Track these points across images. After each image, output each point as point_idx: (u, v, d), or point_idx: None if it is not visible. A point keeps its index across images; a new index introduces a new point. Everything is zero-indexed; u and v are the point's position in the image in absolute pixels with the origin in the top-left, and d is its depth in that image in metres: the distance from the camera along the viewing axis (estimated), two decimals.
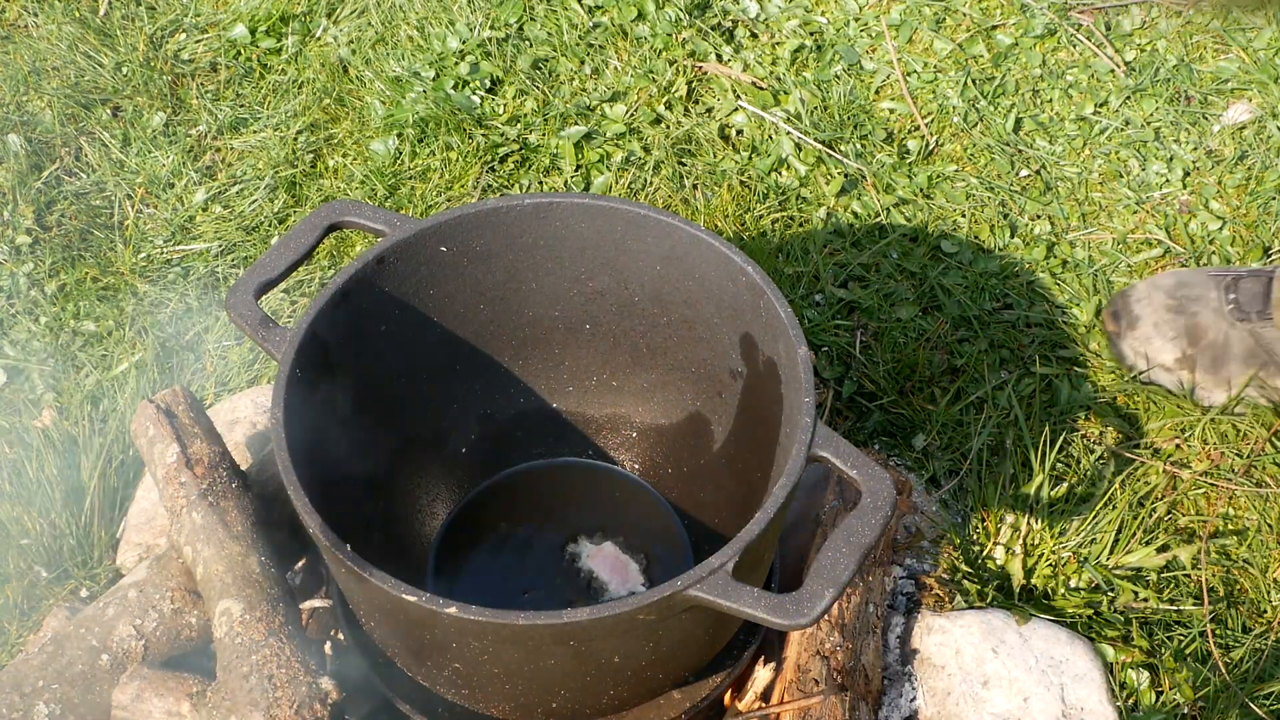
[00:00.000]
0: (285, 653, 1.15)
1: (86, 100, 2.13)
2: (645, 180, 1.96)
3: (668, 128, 2.02)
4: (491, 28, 2.21)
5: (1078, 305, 1.80)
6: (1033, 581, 1.50)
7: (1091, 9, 2.20)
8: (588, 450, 1.50)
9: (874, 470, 1.06)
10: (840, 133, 2.01)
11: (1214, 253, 1.86)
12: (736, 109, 2.04)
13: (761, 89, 2.07)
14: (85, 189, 2.01)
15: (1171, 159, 2.00)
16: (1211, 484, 1.60)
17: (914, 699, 1.39)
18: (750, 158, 1.99)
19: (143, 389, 1.72)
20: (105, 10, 2.29)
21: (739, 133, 2.03)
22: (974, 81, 2.10)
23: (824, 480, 1.47)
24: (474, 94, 2.12)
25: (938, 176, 1.98)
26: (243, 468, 1.38)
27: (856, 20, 2.19)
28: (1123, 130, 2.04)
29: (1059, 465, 1.61)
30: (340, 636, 1.32)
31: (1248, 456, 1.62)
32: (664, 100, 2.05)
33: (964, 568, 1.51)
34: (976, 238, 1.91)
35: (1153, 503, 1.57)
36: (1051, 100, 2.09)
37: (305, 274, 1.88)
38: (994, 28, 2.18)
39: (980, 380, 1.71)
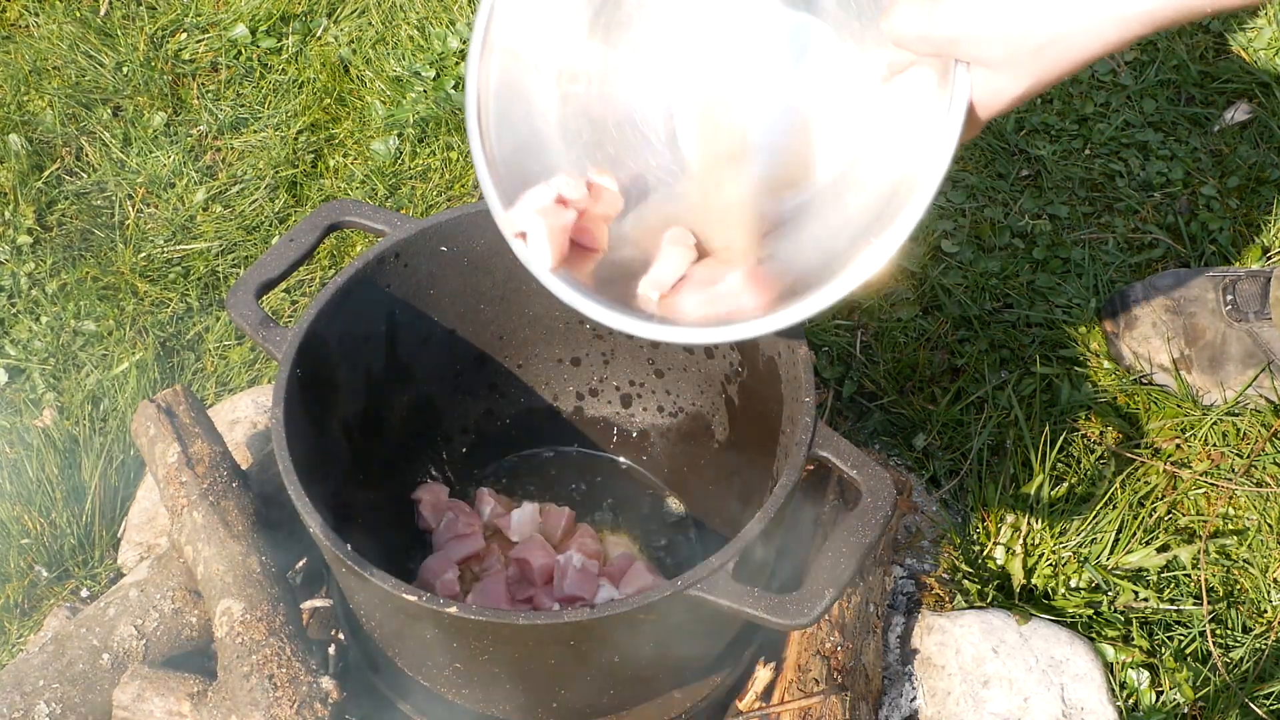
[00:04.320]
0: (286, 653, 1.15)
1: (87, 100, 2.13)
2: None
3: None
4: None
5: (1078, 305, 1.81)
6: (1033, 581, 1.50)
7: None
8: (588, 449, 1.50)
9: (874, 470, 1.06)
10: None
11: (1214, 253, 1.86)
12: None
13: None
14: (86, 189, 2.02)
15: (1172, 159, 2.00)
16: (1211, 484, 1.60)
17: (914, 699, 1.39)
18: None
19: (143, 389, 1.72)
20: (106, 10, 2.29)
21: None
22: None
23: (824, 480, 1.47)
24: None
25: None
26: (243, 467, 1.38)
27: None
28: (1123, 130, 2.04)
29: (1059, 465, 1.61)
30: (340, 636, 1.32)
31: (1248, 456, 1.62)
32: None
33: (964, 567, 1.51)
34: (976, 238, 1.91)
35: (1153, 503, 1.57)
36: (1052, 100, 2.09)
37: (306, 274, 1.88)
38: None
39: (980, 380, 1.71)
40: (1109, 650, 1.43)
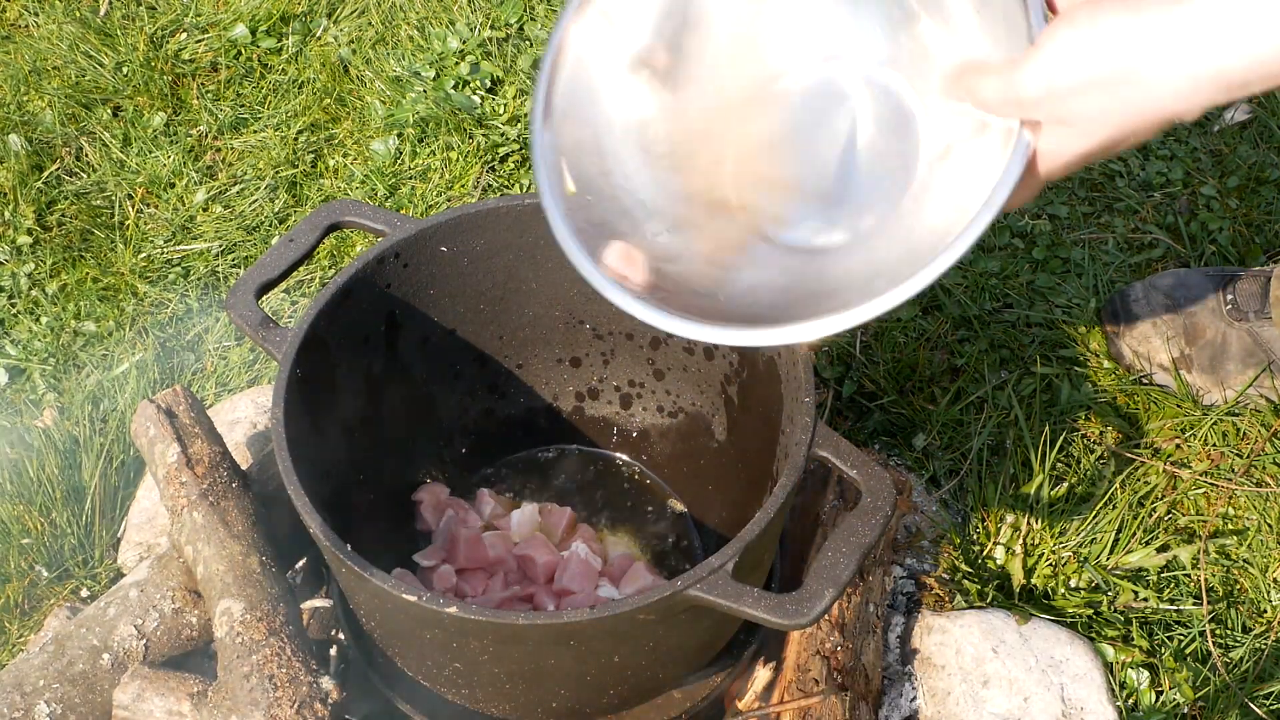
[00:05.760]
0: (286, 652, 1.15)
1: (87, 100, 2.13)
2: None
3: None
4: (492, 27, 2.21)
5: (1078, 305, 1.81)
6: (1033, 581, 1.50)
7: None
8: (588, 449, 1.50)
9: (874, 470, 1.06)
10: None
11: (1214, 253, 1.86)
12: None
13: None
14: (86, 189, 2.02)
15: (1172, 159, 2.00)
16: (1211, 484, 1.60)
17: (914, 699, 1.39)
18: None
19: (143, 389, 1.72)
20: (106, 10, 2.29)
21: None
22: None
23: (824, 480, 1.47)
24: (474, 94, 2.12)
25: None
26: (243, 468, 1.38)
27: None
28: None
29: (1059, 465, 1.61)
30: (340, 636, 1.32)
31: (1248, 456, 1.62)
32: None
33: (964, 567, 1.51)
34: None
35: (1153, 503, 1.57)
36: None
37: (305, 274, 1.88)
38: None
39: (980, 380, 1.71)
40: (1109, 650, 1.43)
